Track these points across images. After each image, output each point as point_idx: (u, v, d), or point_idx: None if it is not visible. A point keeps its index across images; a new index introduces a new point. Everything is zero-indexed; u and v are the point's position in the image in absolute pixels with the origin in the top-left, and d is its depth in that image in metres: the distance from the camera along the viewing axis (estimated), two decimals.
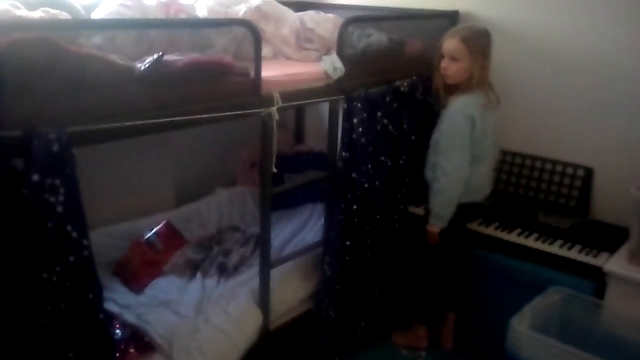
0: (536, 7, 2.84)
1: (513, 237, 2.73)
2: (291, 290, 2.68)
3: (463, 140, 2.49)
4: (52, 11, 2.04)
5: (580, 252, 2.58)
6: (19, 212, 1.53)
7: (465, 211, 2.66)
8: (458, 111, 2.51)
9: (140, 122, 1.77)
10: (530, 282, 2.61)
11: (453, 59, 2.51)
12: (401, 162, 2.81)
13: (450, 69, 2.53)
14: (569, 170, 2.85)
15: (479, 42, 2.51)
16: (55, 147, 1.54)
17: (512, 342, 2.28)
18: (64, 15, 2.07)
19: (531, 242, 2.68)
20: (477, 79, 2.51)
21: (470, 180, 2.56)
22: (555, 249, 2.62)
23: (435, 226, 2.61)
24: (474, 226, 2.83)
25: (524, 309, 2.37)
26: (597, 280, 2.46)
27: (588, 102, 2.78)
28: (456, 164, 2.51)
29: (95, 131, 1.66)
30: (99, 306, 1.76)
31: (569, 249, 2.61)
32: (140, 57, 1.91)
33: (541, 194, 2.91)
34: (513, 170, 2.99)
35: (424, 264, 2.80)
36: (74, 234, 1.63)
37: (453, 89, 2.57)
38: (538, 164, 2.93)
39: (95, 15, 2.26)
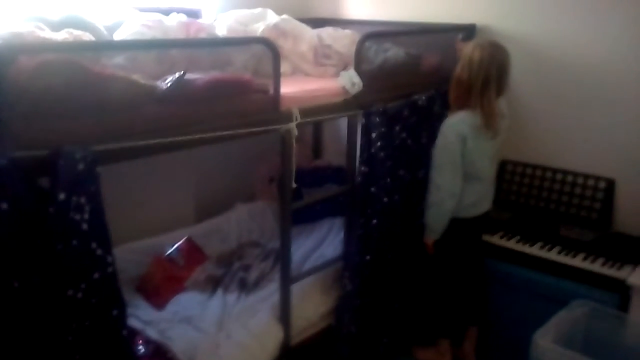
0: (554, 20, 2.84)
1: (535, 250, 2.71)
2: (312, 306, 2.68)
3: (454, 157, 2.49)
4: (76, 32, 2.09)
5: (603, 265, 2.55)
6: (45, 230, 1.56)
7: (457, 226, 2.63)
8: (449, 128, 2.51)
9: (162, 140, 1.80)
10: (553, 295, 2.59)
11: None
12: (420, 176, 2.80)
13: None
14: (591, 182, 2.82)
15: (470, 50, 2.49)
16: (81, 166, 1.57)
17: (535, 356, 2.25)
18: (87, 36, 2.12)
19: (553, 255, 2.66)
20: (461, 90, 2.50)
21: (463, 197, 2.56)
22: (578, 262, 2.60)
23: (428, 238, 2.68)
24: (496, 240, 2.81)
25: (547, 323, 2.35)
26: (621, 293, 2.43)
27: (609, 114, 2.76)
28: (447, 179, 2.51)
29: (119, 149, 1.70)
30: (122, 322, 1.78)
31: (592, 262, 2.58)
32: (161, 76, 1.95)
33: (563, 207, 2.88)
34: (534, 182, 2.97)
35: (433, 277, 2.82)
36: (99, 251, 1.66)
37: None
38: (559, 177, 2.91)
39: (118, 35, 2.31)
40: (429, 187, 2.59)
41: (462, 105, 2.52)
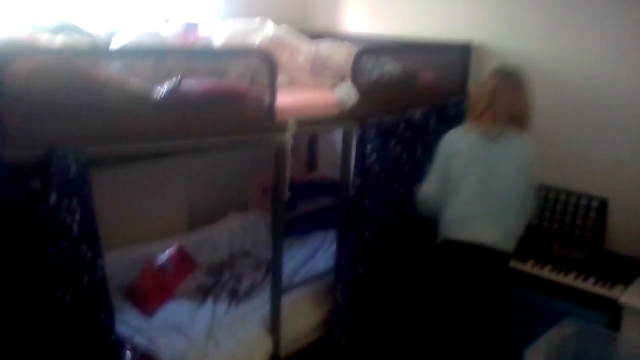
0: (550, 39, 2.87)
1: (528, 267, 2.71)
2: (302, 317, 2.67)
3: (435, 166, 2.50)
4: (73, 39, 2.10)
5: (595, 284, 2.55)
6: (35, 231, 1.55)
7: (444, 249, 2.47)
8: (443, 138, 2.52)
9: (156, 145, 1.80)
10: (545, 313, 2.57)
11: None
12: (414, 190, 2.80)
13: None
14: (584, 202, 2.83)
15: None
16: (73, 168, 1.56)
17: None
18: (85, 41, 2.12)
19: (546, 273, 2.66)
20: (471, 106, 2.56)
21: (445, 212, 2.45)
22: (570, 280, 2.59)
23: None
24: None
25: (538, 341, 2.34)
26: (612, 313, 2.43)
27: (602, 134, 2.78)
28: (423, 186, 2.55)
29: (112, 154, 1.70)
30: (110, 327, 1.77)
31: (584, 280, 2.58)
32: (158, 82, 1.95)
33: (555, 225, 2.88)
34: None
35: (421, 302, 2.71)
36: (89, 254, 1.65)
37: None
38: (552, 195, 2.91)
39: (115, 43, 2.32)
40: None
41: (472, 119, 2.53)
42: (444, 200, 2.46)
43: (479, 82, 2.57)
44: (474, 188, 2.41)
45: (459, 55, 3.12)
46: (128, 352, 2.17)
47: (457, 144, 2.47)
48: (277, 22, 2.86)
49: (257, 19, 2.80)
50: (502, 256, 2.42)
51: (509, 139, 2.41)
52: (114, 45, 2.30)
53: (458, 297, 2.48)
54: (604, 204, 2.78)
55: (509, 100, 2.44)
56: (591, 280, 2.58)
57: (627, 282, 2.51)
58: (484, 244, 2.37)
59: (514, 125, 2.43)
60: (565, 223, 2.86)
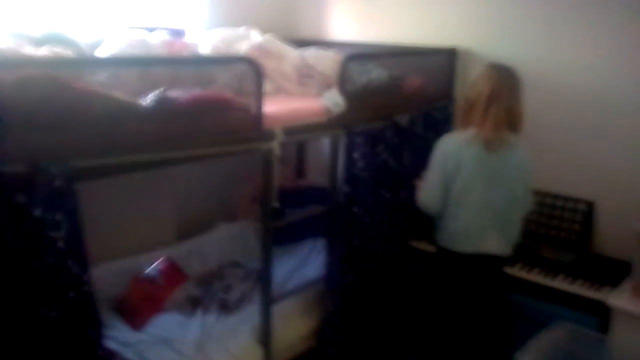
0: (535, 44, 2.89)
1: (516, 271, 2.71)
2: (293, 327, 2.65)
3: (433, 174, 2.42)
4: (57, 49, 2.08)
5: (582, 286, 2.56)
6: (20, 247, 1.53)
7: (447, 259, 2.47)
8: (438, 145, 2.45)
9: (143, 158, 1.79)
10: (534, 316, 2.59)
11: None
12: (402, 196, 2.81)
13: None
14: (570, 205, 2.84)
15: (481, 70, 2.46)
16: (58, 182, 1.55)
17: None
18: (69, 53, 2.10)
19: (534, 276, 2.67)
20: (466, 110, 2.44)
21: (449, 224, 2.43)
22: (557, 283, 2.60)
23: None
24: None
25: (528, 344, 2.34)
26: (600, 315, 2.44)
27: (589, 137, 2.80)
28: (420, 195, 2.49)
29: (98, 166, 1.68)
30: (98, 343, 1.74)
31: (572, 283, 2.59)
32: (143, 93, 1.94)
33: (543, 228, 2.90)
34: None
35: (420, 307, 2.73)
36: (75, 269, 1.63)
37: None
38: (539, 198, 2.92)
39: (100, 52, 2.30)
40: None
41: (465, 126, 2.45)
42: (446, 210, 2.43)
43: (470, 82, 2.47)
44: (479, 201, 2.39)
45: (445, 61, 3.13)
46: None
47: (458, 155, 2.36)
48: (263, 30, 2.86)
49: (243, 28, 2.80)
50: (503, 261, 2.49)
51: (509, 148, 2.39)
52: (100, 54, 2.29)
53: (460, 304, 2.51)
54: (590, 207, 2.80)
55: (507, 103, 2.36)
56: (579, 282, 2.59)
57: (615, 284, 2.52)
58: (490, 253, 2.41)
59: (510, 130, 2.40)
60: (552, 226, 2.88)
